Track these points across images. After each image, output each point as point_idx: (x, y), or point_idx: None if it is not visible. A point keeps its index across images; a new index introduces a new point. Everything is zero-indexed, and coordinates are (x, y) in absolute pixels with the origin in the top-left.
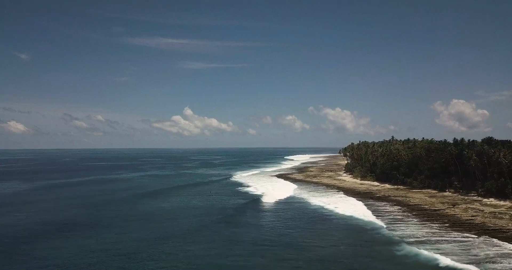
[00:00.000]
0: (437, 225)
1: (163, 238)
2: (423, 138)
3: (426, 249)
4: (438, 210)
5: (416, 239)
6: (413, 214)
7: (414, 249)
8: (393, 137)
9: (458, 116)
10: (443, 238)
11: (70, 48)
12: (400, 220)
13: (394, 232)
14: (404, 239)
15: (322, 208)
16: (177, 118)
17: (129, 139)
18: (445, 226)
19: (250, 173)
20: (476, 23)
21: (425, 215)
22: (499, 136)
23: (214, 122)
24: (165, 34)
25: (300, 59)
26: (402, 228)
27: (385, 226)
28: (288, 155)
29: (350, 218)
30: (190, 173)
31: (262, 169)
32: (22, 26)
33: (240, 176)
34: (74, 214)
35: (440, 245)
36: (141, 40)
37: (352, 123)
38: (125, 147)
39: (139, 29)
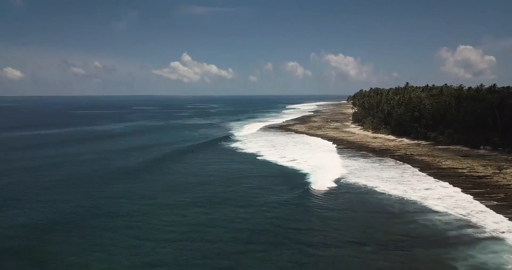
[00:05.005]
0: (493, 203)
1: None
2: (445, 84)
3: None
4: (484, 176)
5: (474, 230)
6: (453, 184)
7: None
8: (407, 83)
9: (464, 62)
10: None
11: None
12: (441, 198)
13: (441, 217)
14: (462, 230)
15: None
16: (175, 64)
17: (128, 87)
18: (505, 204)
19: (247, 124)
20: None
21: (469, 184)
22: (504, 84)
23: (213, 68)
24: None
25: (302, 2)
26: (447, 210)
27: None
28: (289, 104)
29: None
30: (180, 125)
31: (261, 119)
32: None
33: (232, 127)
34: None
35: None
36: None
37: (355, 69)
38: (125, 94)
39: None
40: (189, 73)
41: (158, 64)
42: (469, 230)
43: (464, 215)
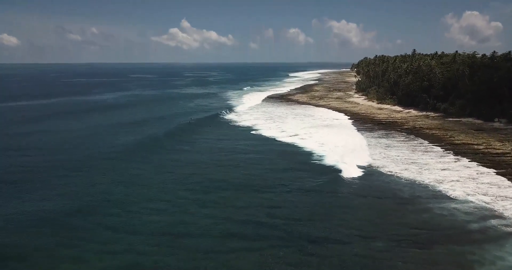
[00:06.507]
0: None
1: None
2: (456, 51)
3: None
4: (503, 154)
5: (500, 221)
6: (473, 163)
7: None
8: (415, 50)
9: (470, 29)
10: None
11: None
12: (459, 181)
13: (461, 206)
14: (486, 222)
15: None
16: (174, 31)
17: (127, 54)
18: None
19: (247, 94)
20: None
21: (488, 163)
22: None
23: (213, 35)
24: None
25: None
26: (467, 196)
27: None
28: (291, 72)
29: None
30: (177, 94)
31: (261, 89)
32: None
33: (231, 97)
34: None
35: None
36: None
37: (358, 37)
38: (123, 61)
39: None
40: (188, 39)
41: (156, 31)
42: (494, 222)
43: (487, 203)
